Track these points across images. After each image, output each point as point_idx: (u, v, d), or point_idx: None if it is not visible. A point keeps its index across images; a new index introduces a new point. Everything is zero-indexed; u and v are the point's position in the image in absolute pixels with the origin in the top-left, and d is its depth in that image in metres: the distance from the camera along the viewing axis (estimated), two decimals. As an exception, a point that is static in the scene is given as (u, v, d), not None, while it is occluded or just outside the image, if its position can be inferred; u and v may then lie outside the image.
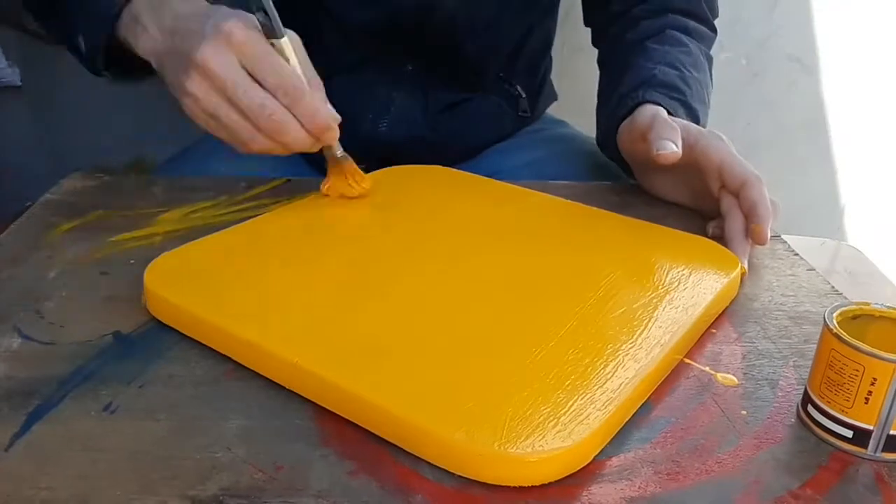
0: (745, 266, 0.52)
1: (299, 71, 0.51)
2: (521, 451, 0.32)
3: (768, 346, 0.44)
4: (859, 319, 0.38)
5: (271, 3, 0.50)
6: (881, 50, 1.19)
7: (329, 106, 0.53)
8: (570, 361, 0.38)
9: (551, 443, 0.33)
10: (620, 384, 0.37)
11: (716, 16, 0.76)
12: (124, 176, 0.66)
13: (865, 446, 0.35)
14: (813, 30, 1.16)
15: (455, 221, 0.55)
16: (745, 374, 0.41)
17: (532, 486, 0.33)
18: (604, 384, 0.37)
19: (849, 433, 0.35)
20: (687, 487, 0.33)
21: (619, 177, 0.70)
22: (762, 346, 0.44)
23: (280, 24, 0.50)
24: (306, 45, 0.53)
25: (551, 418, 0.34)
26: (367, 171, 0.60)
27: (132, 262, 0.51)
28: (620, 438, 0.36)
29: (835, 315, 0.36)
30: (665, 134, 0.56)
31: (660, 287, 0.46)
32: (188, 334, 0.42)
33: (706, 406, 0.39)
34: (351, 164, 0.57)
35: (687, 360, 0.42)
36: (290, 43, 0.51)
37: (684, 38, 0.71)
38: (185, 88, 0.50)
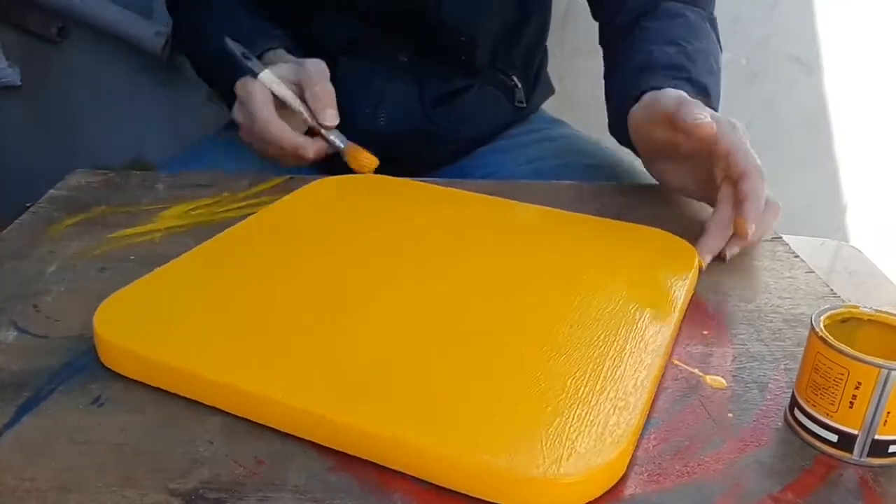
0: (705, 260, 0.52)
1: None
2: (565, 473, 0.31)
3: (760, 348, 0.44)
4: (848, 323, 0.37)
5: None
6: (881, 50, 1.17)
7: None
8: (577, 369, 0.38)
9: (594, 459, 0.32)
10: (636, 389, 0.36)
11: None
12: (128, 173, 0.67)
13: (850, 450, 0.35)
14: (813, 30, 1.15)
15: (414, 233, 0.53)
16: (734, 376, 0.41)
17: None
18: (619, 391, 0.36)
19: (834, 437, 0.35)
20: (667, 489, 0.33)
21: (617, 177, 0.70)
22: (754, 348, 0.44)
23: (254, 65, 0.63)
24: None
25: (584, 433, 0.33)
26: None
27: (132, 258, 0.51)
28: (603, 439, 0.36)
29: (822, 318, 0.36)
30: (696, 111, 0.54)
31: (631, 288, 0.46)
32: (158, 386, 0.38)
33: (692, 408, 0.38)
34: (356, 147, 0.65)
35: (676, 362, 0.42)
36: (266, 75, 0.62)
37: (680, 5, 0.69)
38: None
